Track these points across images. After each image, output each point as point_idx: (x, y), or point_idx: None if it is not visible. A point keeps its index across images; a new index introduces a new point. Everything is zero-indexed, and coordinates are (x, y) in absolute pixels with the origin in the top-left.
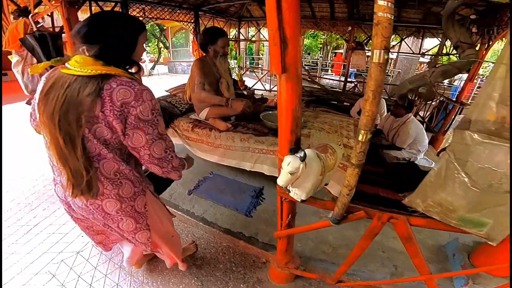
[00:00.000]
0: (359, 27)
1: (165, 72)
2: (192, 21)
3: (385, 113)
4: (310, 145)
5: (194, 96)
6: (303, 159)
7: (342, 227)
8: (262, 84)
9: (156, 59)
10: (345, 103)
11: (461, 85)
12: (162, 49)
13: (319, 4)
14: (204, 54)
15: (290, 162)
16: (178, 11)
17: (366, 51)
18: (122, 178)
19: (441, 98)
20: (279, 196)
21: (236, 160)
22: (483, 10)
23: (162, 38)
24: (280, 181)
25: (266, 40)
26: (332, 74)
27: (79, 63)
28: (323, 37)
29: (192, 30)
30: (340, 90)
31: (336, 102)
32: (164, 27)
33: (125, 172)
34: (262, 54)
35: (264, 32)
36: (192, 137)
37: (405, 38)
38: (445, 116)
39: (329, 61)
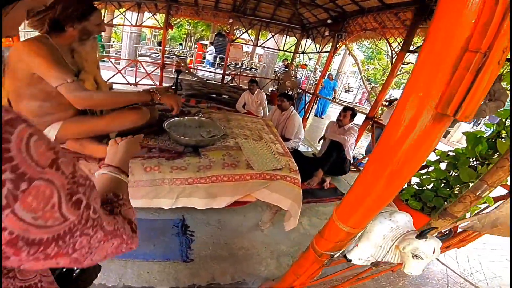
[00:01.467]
0: (239, 20)
1: None
2: None
3: (266, 106)
4: (250, 162)
5: (42, 105)
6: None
7: (286, 234)
8: (124, 77)
9: None
10: (224, 96)
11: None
12: None
13: None
14: (45, 33)
15: (435, 249)
16: None
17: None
18: None
19: (299, 91)
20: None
21: (144, 199)
22: (335, 15)
23: None
24: (418, 271)
25: (130, 25)
26: (207, 66)
27: None
28: (188, 27)
29: None
30: (218, 83)
31: (215, 95)
32: None
33: None
34: (115, 42)
35: (130, 17)
36: None
37: (274, 35)
38: (304, 105)
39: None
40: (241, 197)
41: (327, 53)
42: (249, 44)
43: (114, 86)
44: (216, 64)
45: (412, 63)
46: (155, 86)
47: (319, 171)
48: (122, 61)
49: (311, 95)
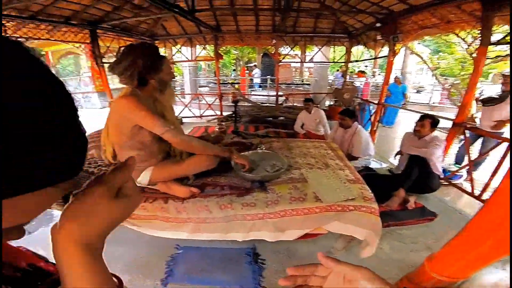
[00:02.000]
0: (282, 39)
1: None
2: (88, 41)
3: (326, 123)
4: (318, 195)
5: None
6: None
7: (363, 260)
8: (190, 110)
9: None
10: (280, 118)
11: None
12: None
13: (244, 17)
14: (132, 85)
15: None
16: (63, 28)
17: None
18: None
19: (360, 101)
20: None
21: (219, 232)
22: (382, 18)
23: None
24: None
25: (187, 61)
26: (258, 89)
27: None
28: (235, 52)
29: (89, 53)
30: (273, 105)
31: (271, 118)
32: (42, 51)
33: None
34: (176, 75)
35: (186, 52)
36: (138, 215)
37: (321, 48)
38: (370, 116)
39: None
40: (311, 230)
41: (385, 57)
42: (296, 62)
43: (183, 120)
44: (268, 86)
45: (500, 55)
46: (217, 116)
47: (399, 191)
48: (186, 95)
49: (376, 105)
